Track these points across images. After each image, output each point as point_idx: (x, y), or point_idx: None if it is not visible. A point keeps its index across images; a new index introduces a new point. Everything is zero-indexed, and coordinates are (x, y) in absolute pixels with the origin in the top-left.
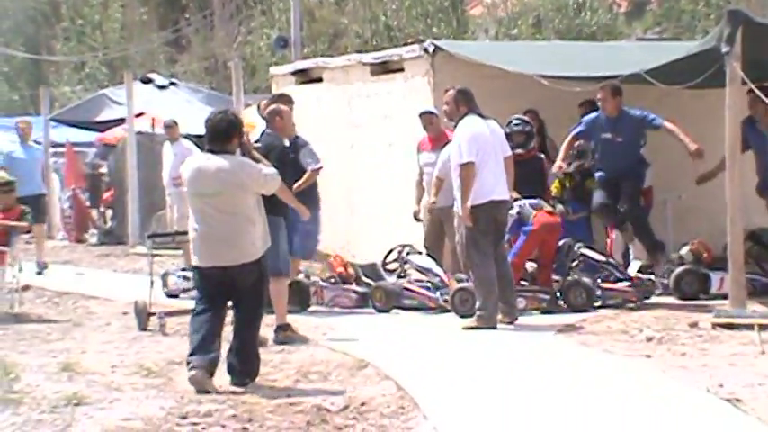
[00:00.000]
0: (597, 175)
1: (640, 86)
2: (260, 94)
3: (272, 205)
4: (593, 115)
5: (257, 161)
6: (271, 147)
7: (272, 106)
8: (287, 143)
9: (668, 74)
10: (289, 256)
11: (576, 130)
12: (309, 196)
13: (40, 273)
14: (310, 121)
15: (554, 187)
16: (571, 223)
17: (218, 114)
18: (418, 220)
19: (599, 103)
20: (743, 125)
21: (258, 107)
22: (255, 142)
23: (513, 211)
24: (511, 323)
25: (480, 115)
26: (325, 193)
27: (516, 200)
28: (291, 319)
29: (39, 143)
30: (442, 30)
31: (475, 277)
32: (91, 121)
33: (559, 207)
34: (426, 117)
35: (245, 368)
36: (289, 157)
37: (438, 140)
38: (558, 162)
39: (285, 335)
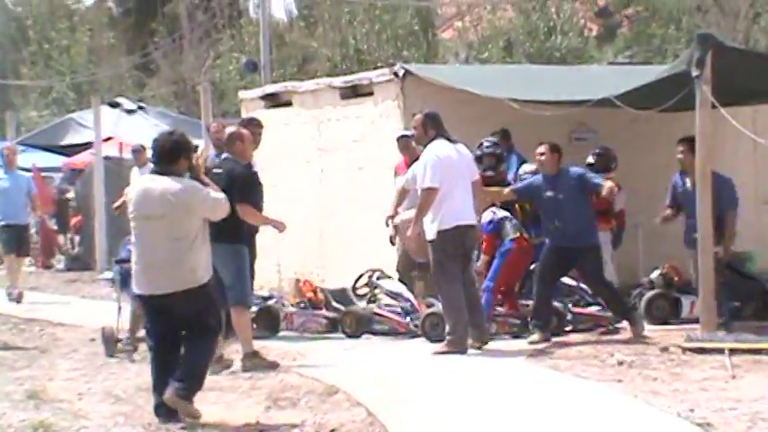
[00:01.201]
0: (547, 240)
1: (611, 110)
2: (229, 117)
3: (235, 233)
4: (535, 177)
5: (206, 185)
6: (233, 172)
7: (232, 129)
8: (255, 167)
9: (639, 98)
10: (249, 285)
11: (515, 187)
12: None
13: (16, 301)
14: (280, 145)
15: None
16: (535, 247)
17: (166, 135)
18: (394, 243)
19: (537, 158)
20: (673, 184)
21: (207, 129)
22: (216, 168)
23: (499, 213)
24: (480, 348)
25: (449, 139)
26: (295, 217)
27: (493, 205)
28: (261, 344)
29: (27, 170)
30: (412, 53)
31: (443, 302)
32: (58, 145)
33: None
34: (403, 141)
35: (181, 388)
36: (255, 181)
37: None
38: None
39: (252, 363)
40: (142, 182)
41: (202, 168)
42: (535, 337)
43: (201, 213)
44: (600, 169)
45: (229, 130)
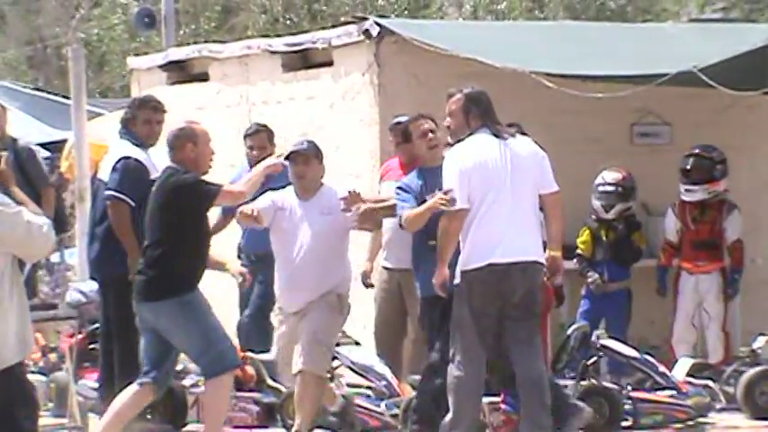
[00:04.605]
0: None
1: (694, 91)
2: (114, 98)
3: (182, 278)
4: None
5: (18, 203)
6: (170, 180)
7: (181, 126)
8: (155, 171)
9: (737, 73)
10: (229, 339)
11: None
12: None
13: None
14: None
15: (581, 242)
16: (607, 297)
17: None
18: (369, 285)
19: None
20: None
21: None
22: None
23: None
24: None
25: (496, 133)
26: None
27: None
28: None
29: None
30: (392, 3)
31: (453, 379)
32: None
33: (592, 274)
34: (400, 131)
35: None
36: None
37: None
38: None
39: None
40: None
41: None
42: None
43: (7, 246)
44: (699, 179)
45: (177, 126)
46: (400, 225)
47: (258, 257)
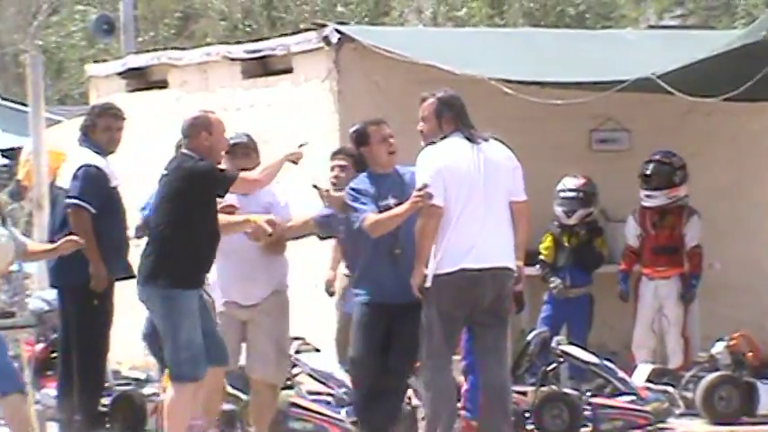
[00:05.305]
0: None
1: (653, 97)
2: (72, 105)
3: (170, 269)
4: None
5: None
6: (183, 166)
7: (196, 114)
8: (115, 180)
9: (695, 79)
10: (202, 351)
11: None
12: None
13: None
14: (150, 148)
15: (543, 248)
16: (569, 302)
17: None
18: (332, 293)
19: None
20: None
21: None
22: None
23: None
24: None
25: (469, 137)
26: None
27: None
28: None
29: None
30: (352, 10)
31: (424, 383)
32: None
33: (554, 279)
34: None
35: None
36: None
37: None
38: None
39: None
40: None
41: None
42: None
43: None
44: (660, 185)
45: (192, 115)
46: (357, 229)
47: None
